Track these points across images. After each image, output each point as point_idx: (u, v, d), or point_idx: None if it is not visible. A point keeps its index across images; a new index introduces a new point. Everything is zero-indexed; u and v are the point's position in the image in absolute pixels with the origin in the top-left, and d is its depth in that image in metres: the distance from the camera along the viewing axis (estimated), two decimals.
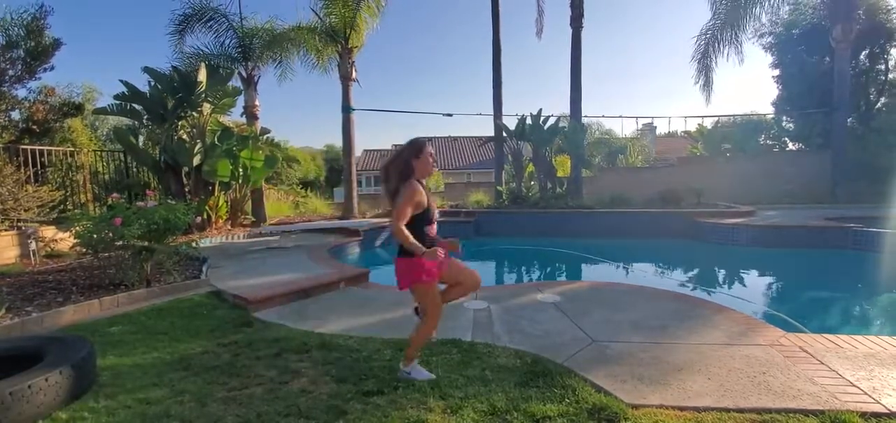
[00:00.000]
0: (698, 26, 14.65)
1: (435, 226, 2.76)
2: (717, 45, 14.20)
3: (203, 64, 11.00)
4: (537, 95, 69.73)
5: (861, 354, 3.10)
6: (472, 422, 2.37)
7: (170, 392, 2.74)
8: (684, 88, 68.88)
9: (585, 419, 2.38)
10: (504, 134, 14.16)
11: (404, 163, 2.66)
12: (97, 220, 5.13)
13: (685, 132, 21.06)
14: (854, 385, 2.67)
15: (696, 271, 8.31)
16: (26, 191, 7.36)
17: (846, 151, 13.27)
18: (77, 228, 5.06)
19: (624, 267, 8.41)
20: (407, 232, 2.53)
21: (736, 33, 14.00)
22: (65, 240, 7.07)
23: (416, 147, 2.69)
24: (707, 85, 14.71)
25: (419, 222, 2.63)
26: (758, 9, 13.73)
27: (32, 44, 8.97)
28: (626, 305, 4.40)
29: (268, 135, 11.80)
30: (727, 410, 2.46)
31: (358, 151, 26.73)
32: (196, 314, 4.36)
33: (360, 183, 27.24)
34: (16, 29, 8.96)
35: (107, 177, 10.49)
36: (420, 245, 2.54)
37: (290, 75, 13.82)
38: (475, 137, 29.72)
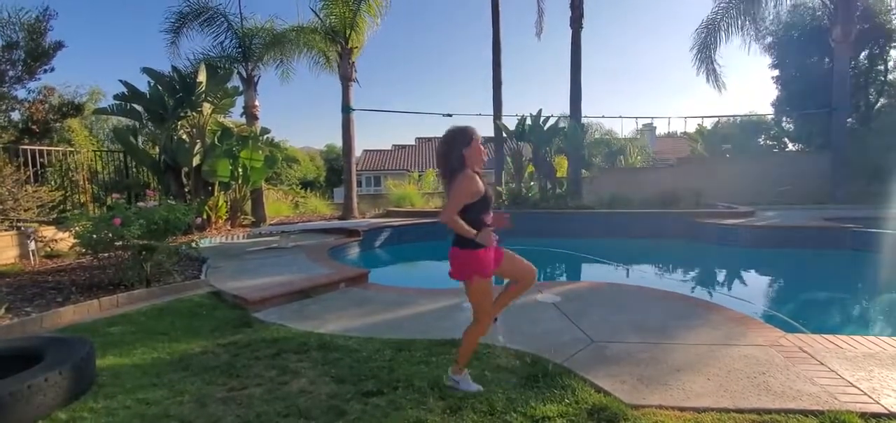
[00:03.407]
0: (699, 23, 14.64)
1: (491, 213, 2.65)
2: (718, 35, 14.30)
3: (203, 64, 11.01)
4: (537, 95, 69.81)
5: (860, 354, 3.10)
6: None
7: (169, 393, 2.74)
8: (685, 89, 68.95)
9: (585, 420, 2.38)
10: (504, 134, 14.18)
11: (456, 154, 2.56)
12: (97, 220, 5.13)
13: (685, 133, 21.07)
14: (853, 386, 2.67)
15: (695, 272, 8.31)
16: (26, 191, 7.36)
17: (846, 151, 13.28)
18: (76, 228, 5.07)
19: (623, 268, 8.42)
20: (459, 220, 2.48)
21: (740, 23, 14.10)
22: (64, 240, 7.06)
23: (466, 137, 2.56)
24: (709, 76, 14.78)
25: (477, 210, 2.53)
26: (758, 8, 13.79)
27: (33, 45, 8.97)
28: (625, 305, 4.40)
29: (267, 135, 11.81)
30: (727, 410, 2.46)
31: (358, 152, 26.75)
32: (195, 315, 4.35)
33: (359, 183, 27.24)
34: (16, 29, 8.95)
35: (106, 177, 10.49)
36: (471, 229, 2.47)
37: (292, 75, 13.88)
38: None
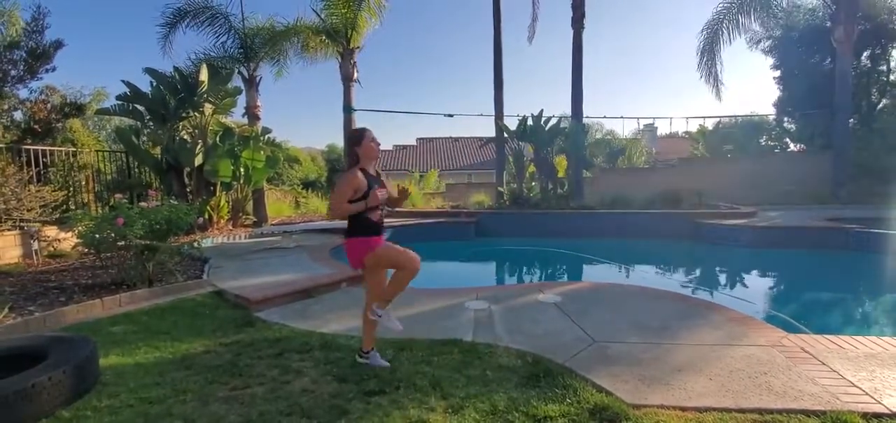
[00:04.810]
0: (702, 23, 14.62)
1: (379, 211, 2.92)
2: (721, 36, 14.28)
3: (204, 64, 11.03)
4: (538, 95, 69.68)
5: (862, 354, 3.10)
6: (473, 422, 2.38)
7: (172, 391, 2.75)
8: (686, 89, 68.81)
9: (587, 419, 2.38)
10: (505, 135, 14.18)
11: (351, 154, 2.90)
12: (99, 220, 5.15)
13: (686, 133, 21.05)
14: (855, 386, 2.67)
15: (697, 272, 8.30)
16: (29, 191, 7.38)
17: (848, 152, 13.24)
18: (79, 228, 5.09)
19: (625, 268, 8.41)
20: (348, 204, 2.76)
21: (743, 23, 14.09)
22: (67, 240, 7.08)
23: (357, 137, 2.91)
24: (710, 80, 14.74)
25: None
26: (764, 7, 13.80)
27: (32, 44, 8.99)
28: (627, 305, 4.40)
29: (269, 135, 11.82)
30: (728, 410, 2.46)
31: None
32: (198, 314, 4.37)
33: None
34: (14, 27, 9.00)
35: (109, 177, 10.51)
36: (360, 203, 2.77)
37: (291, 74, 13.89)
38: (476, 138, 29.74)
